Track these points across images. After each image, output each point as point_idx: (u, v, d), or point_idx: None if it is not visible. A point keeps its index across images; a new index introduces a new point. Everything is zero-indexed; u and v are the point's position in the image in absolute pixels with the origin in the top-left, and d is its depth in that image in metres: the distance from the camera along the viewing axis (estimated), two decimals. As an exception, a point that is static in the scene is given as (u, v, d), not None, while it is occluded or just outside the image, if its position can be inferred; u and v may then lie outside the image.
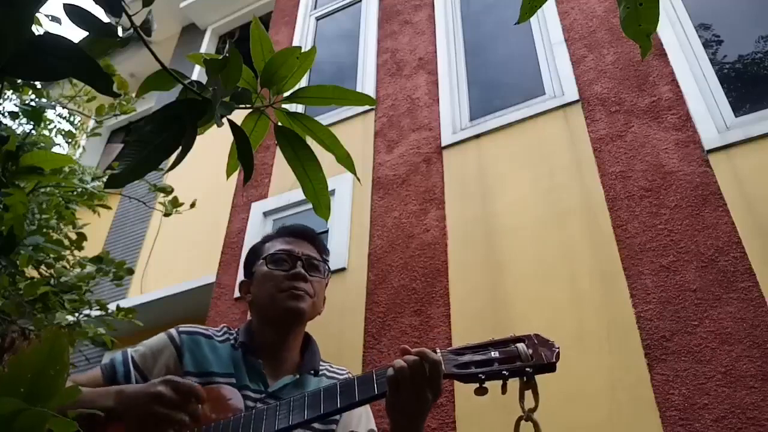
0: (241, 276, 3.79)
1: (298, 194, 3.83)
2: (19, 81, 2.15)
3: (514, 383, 1.02)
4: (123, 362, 1.18)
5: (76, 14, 0.70)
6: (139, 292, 5.58)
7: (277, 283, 1.25)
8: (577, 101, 3.50)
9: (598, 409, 2.45)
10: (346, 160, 0.94)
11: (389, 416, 1.04)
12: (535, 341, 1.06)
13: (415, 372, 1.00)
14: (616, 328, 2.62)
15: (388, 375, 1.01)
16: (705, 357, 2.39)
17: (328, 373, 1.29)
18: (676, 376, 2.40)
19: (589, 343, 2.63)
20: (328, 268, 1.36)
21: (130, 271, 2.69)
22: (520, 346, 1.04)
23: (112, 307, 2.63)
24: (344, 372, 1.32)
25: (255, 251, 1.36)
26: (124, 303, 3.44)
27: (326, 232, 3.67)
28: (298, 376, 1.23)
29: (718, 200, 2.74)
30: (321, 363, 1.30)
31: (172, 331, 1.25)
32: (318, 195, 0.90)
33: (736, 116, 3.02)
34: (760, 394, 2.23)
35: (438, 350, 1.05)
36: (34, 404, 0.51)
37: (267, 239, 1.37)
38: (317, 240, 1.37)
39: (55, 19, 2.15)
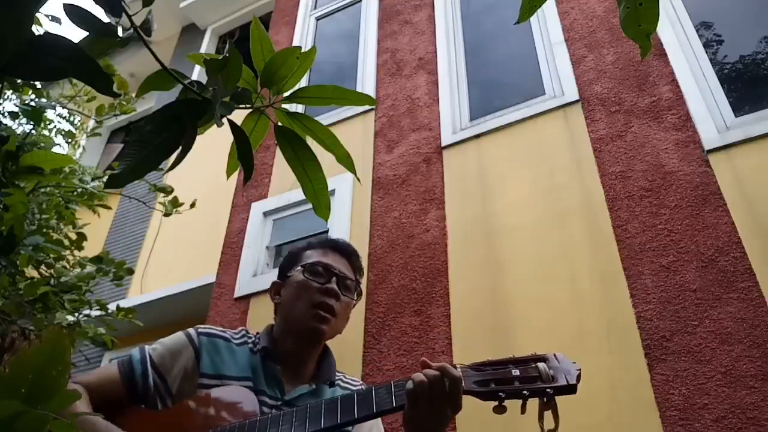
0: (241, 276, 3.80)
1: (298, 194, 3.83)
2: (19, 81, 2.15)
3: (533, 402, 1.00)
4: (141, 360, 1.18)
5: (76, 14, 0.70)
6: (139, 292, 5.58)
7: (310, 294, 1.25)
8: (577, 101, 3.50)
9: (598, 409, 2.45)
10: (346, 160, 0.93)
11: (405, 429, 1.02)
12: (556, 361, 1.04)
13: (435, 387, 0.99)
14: (616, 328, 2.62)
15: (408, 388, 1.00)
16: (705, 357, 2.39)
17: (342, 384, 1.28)
18: (676, 376, 2.40)
19: (589, 343, 2.63)
20: (360, 290, 1.35)
21: (130, 271, 2.68)
22: (542, 365, 1.02)
23: (112, 307, 2.63)
24: (357, 383, 1.32)
25: (294, 256, 1.36)
26: (124, 303, 3.43)
27: (326, 232, 3.67)
28: (314, 386, 1.23)
29: (718, 200, 2.74)
30: (336, 373, 1.29)
31: (191, 331, 1.24)
32: (318, 195, 0.90)
33: (736, 116, 3.02)
34: (760, 394, 2.23)
35: (458, 366, 1.04)
36: (35, 405, 0.51)
37: (308, 247, 1.37)
38: (356, 259, 1.36)
39: (55, 19, 2.15)
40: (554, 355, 1.05)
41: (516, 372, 1.02)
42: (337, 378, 1.29)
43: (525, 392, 0.99)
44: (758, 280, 2.46)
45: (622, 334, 2.60)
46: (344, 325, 1.32)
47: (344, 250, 1.35)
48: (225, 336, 1.26)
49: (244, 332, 1.30)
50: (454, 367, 1.02)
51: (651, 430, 2.33)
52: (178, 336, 1.23)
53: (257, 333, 1.30)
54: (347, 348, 3.12)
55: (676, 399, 2.35)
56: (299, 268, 1.31)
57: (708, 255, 2.62)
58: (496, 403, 1.00)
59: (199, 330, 1.25)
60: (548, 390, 0.99)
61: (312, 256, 1.32)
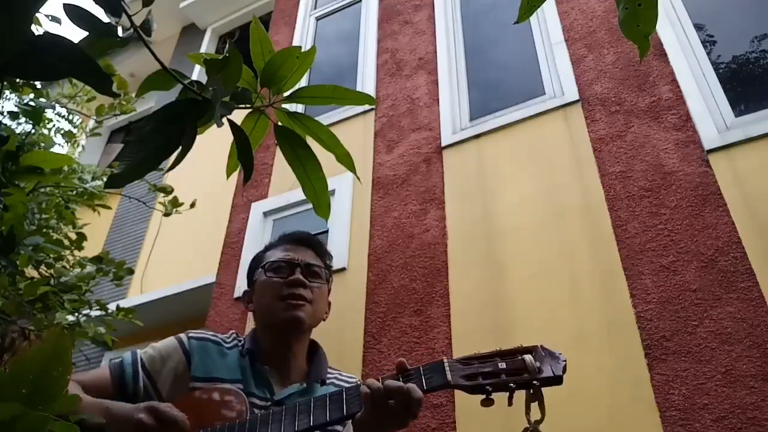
0: (241, 276, 3.80)
1: (298, 194, 3.83)
2: (19, 81, 2.14)
3: (520, 394, 1.01)
4: (132, 363, 1.19)
5: (76, 14, 0.70)
6: (139, 292, 5.58)
7: (275, 291, 1.26)
8: (577, 101, 3.50)
9: (598, 409, 2.45)
10: (345, 159, 0.93)
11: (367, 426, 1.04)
12: (542, 353, 1.04)
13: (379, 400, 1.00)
14: (616, 328, 2.62)
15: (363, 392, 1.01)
16: (705, 357, 2.39)
17: (336, 382, 1.28)
18: (676, 376, 2.40)
19: (589, 343, 2.63)
20: (330, 273, 1.35)
21: (130, 271, 2.68)
22: (528, 357, 1.03)
23: (112, 307, 2.62)
24: (353, 380, 1.30)
25: (256, 260, 1.37)
26: (124, 303, 3.43)
27: (326, 232, 3.67)
28: (305, 385, 1.23)
29: (718, 200, 2.74)
30: (330, 371, 1.29)
31: (182, 336, 1.25)
32: (318, 195, 0.90)
33: (736, 116, 3.02)
34: (760, 394, 2.23)
35: (445, 360, 1.04)
36: (36, 406, 0.51)
37: (268, 248, 1.37)
38: (318, 245, 1.36)
39: (55, 19, 2.15)
40: (540, 346, 1.06)
41: (503, 365, 1.03)
42: (331, 376, 1.28)
43: (512, 385, 1.00)
44: (758, 280, 2.46)
45: (622, 334, 2.60)
46: (325, 311, 1.32)
47: (305, 240, 1.35)
48: (216, 339, 1.27)
49: (234, 335, 1.31)
50: (441, 361, 1.03)
51: (651, 430, 2.33)
52: (170, 340, 1.25)
53: (245, 336, 1.31)
54: (347, 348, 3.12)
55: (676, 399, 2.35)
56: (260, 269, 1.31)
57: (708, 255, 2.62)
58: (484, 396, 1.00)
59: (190, 334, 1.26)
60: (534, 382, 1.00)
61: (272, 255, 1.32)
